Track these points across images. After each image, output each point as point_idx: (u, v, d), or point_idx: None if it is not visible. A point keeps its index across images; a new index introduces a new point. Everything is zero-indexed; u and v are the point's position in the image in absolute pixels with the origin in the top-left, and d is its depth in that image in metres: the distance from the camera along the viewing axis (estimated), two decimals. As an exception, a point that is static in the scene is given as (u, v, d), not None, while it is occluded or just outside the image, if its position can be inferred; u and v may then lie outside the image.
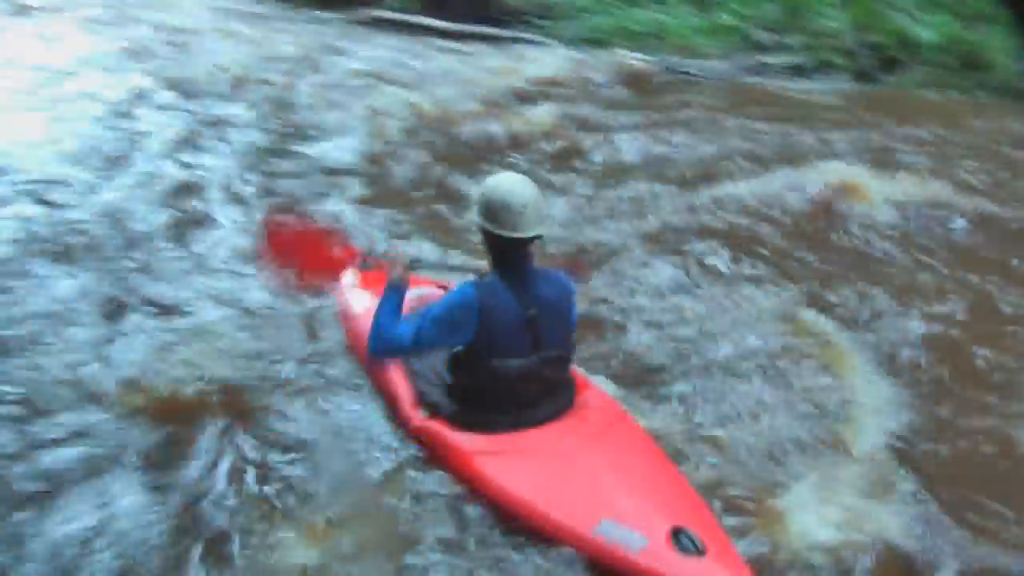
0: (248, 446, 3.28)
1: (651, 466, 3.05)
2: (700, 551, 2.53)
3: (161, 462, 3.19)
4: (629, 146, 7.26)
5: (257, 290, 4.36)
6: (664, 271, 4.95)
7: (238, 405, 3.51)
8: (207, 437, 3.29)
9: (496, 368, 3.10)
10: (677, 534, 2.58)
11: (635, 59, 10.15)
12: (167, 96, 8.36)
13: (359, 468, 3.23)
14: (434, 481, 3.09)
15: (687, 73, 9.98)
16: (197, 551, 2.80)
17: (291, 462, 3.25)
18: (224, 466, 3.16)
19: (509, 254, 3.16)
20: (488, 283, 3.15)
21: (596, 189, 6.41)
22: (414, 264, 3.46)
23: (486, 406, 3.16)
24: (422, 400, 3.32)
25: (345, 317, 4.04)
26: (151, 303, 4.38)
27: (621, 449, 3.11)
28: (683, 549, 2.54)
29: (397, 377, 3.44)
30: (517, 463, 3.00)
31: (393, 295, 3.23)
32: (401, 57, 10.41)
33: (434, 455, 3.16)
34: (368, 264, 3.84)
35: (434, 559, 2.76)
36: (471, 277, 3.26)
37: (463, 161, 6.84)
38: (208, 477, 3.13)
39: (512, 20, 11.68)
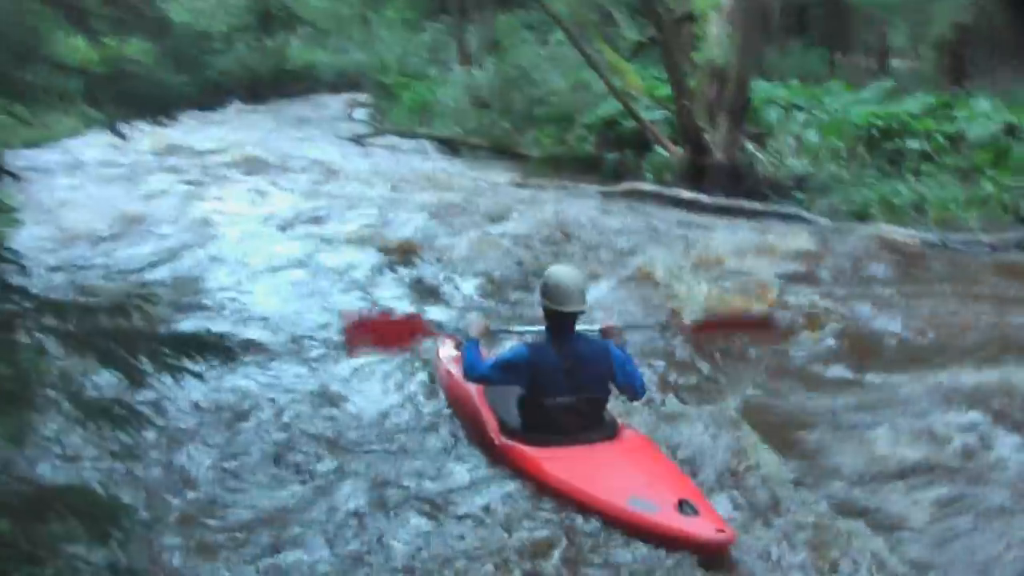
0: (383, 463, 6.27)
1: (665, 469, 5.69)
2: (696, 513, 4.99)
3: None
4: (893, 325, 8.90)
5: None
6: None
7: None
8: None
9: (546, 404, 5.86)
10: (681, 504, 5.03)
11: (896, 233, 12.08)
12: (427, 261, 11.63)
13: (462, 473, 6.10)
14: (511, 482, 5.78)
15: (951, 247, 11.82)
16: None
17: (417, 473, 6.13)
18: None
19: (558, 322, 6.00)
20: (538, 344, 6.09)
21: (884, 376, 7.83)
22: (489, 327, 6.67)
23: (545, 430, 5.86)
24: (502, 428, 6.09)
25: (442, 376, 7.30)
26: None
27: (645, 460, 5.79)
28: (684, 513, 4.98)
29: (484, 413, 6.29)
30: (572, 466, 5.59)
31: (475, 343, 6.28)
32: (659, 228, 13.24)
33: (513, 465, 5.86)
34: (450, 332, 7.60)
35: (510, 537, 5.20)
36: (527, 338, 6.45)
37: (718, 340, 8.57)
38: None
39: (769, 193, 14.41)
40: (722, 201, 14.45)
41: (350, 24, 51.55)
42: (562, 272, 6.16)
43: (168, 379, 4.82)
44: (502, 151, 22.01)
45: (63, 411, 4.45)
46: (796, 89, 18.60)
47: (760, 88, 17.78)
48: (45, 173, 20.21)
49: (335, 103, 37.72)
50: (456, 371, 6.68)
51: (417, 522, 5.38)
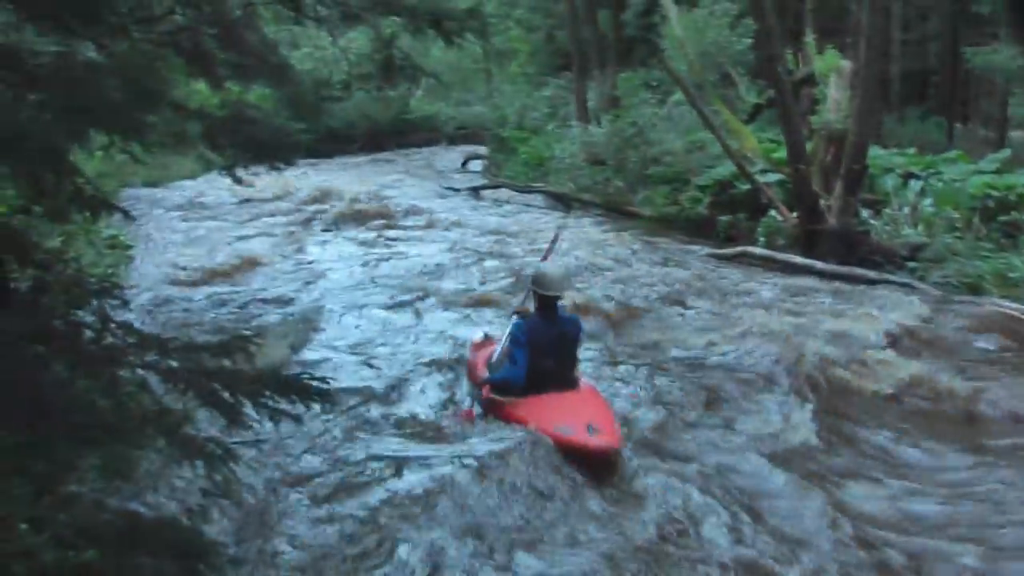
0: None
1: (596, 409, 7.46)
2: (596, 432, 6.87)
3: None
4: (1004, 400, 8.76)
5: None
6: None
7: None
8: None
9: (537, 364, 7.62)
10: (588, 426, 6.92)
11: (1010, 308, 11.81)
12: None
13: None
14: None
15: (1069, 327, 11.53)
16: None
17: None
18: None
19: (545, 303, 7.79)
20: (531, 319, 7.88)
21: (989, 450, 7.86)
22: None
23: (533, 385, 7.58)
24: (506, 389, 7.79)
25: (469, 362, 9.08)
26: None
27: (586, 404, 7.56)
28: (589, 432, 6.87)
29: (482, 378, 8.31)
30: (535, 409, 7.40)
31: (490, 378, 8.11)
32: (769, 292, 13.19)
33: (495, 412, 7.84)
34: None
35: (487, 450, 6.92)
36: (515, 318, 8.24)
37: (831, 408, 8.75)
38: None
39: (882, 262, 14.21)
40: (834, 268, 14.30)
41: (473, 77, 52.42)
42: (549, 267, 8.21)
43: (267, 420, 4.93)
44: (614, 209, 22.12)
45: (159, 447, 4.54)
46: (913, 157, 18.29)
47: (877, 155, 17.56)
48: (160, 212, 20.84)
49: (453, 155, 38.25)
50: (474, 360, 8.91)
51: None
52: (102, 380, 4.50)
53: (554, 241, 9.88)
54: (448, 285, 13.37)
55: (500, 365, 8.15)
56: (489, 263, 14.80)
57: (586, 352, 10.08)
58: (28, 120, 5.36)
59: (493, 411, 7.88)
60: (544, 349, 7.68)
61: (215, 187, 23.88)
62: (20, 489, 4.03)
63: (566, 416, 7.16)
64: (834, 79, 17.19)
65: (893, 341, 10.65)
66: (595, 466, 6.81)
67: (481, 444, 7.19)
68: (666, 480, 6.84)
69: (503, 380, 7.80)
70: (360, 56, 9.58)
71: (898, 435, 8.15)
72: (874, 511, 6.58)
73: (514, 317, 8.38)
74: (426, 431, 8.01)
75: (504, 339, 8.23)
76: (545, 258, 9.25)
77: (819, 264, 14.56)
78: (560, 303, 8.05)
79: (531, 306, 8.19)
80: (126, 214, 7.15)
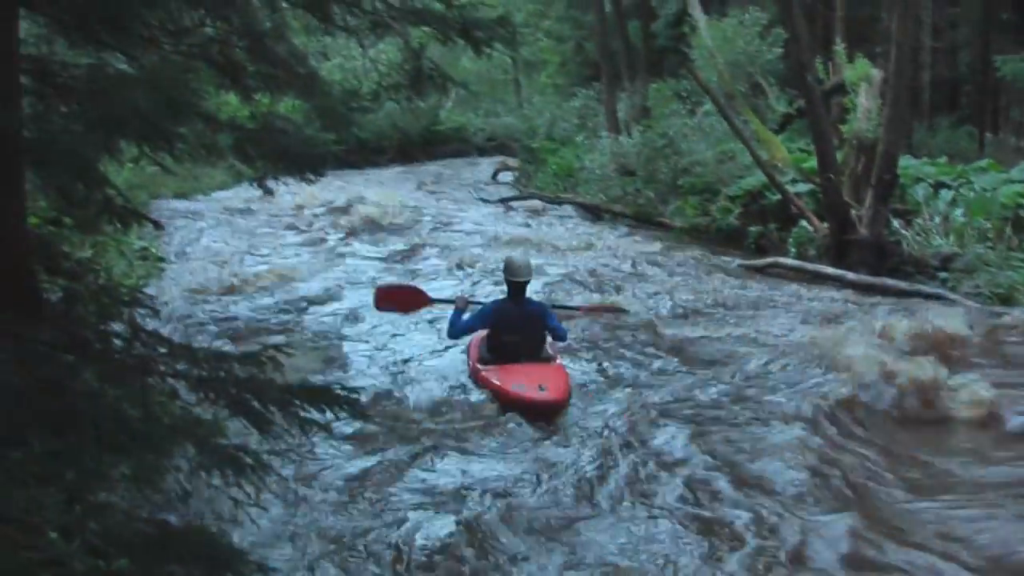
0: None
1: (555, 376, 9.01)
2: (545, 390, 8.55)
3: None
4: None
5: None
6: None
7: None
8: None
9: (504, 340, 9.30)
10: (539, 386, 8.58)
11: None
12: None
13: (457, 380, 9.52)
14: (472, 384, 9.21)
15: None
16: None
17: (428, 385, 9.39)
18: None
19: (512, 287, 9.40)
20: (499, 302, 9.66)
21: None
22: (467, 300, 10.09)
23: (500, 356, 9.28)
24: (480, 358, 9.47)
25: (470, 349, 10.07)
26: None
27: (549, 372, 9.04)
28: (539, 390, 8.53)
29: (472, 355, 9.72)
30: (503, 374, 8.94)
31: (458, 312, 9.70)
32: (800, 303, 13.17)
33: (476, 377, 9.35)
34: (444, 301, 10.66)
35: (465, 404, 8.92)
36: (489, 300, 10.35)
37: (881, 425, 8.57)
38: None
39: (913, 272, 14.16)
40: (866, 279, 14.23)
41: (502, 88, 52.43)
42: (515, 256, 10.21)
43: (296, 429, 4.94)
44: (645, 220, 22.12)
45: (189, 455, 4.55)
46: (944, 167, 18.16)
47: (908, 165, 17.43)
48: (190, 223, 20.97)
49: (483, 165, 38.31)
50: (474, 351, 9.81)
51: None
52: (132, 389, 4.54)
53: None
54: (478, 295, 13.37)
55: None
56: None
57: (617, 361, 10.26)
58: (59, 131, 5.41)
59: (475, 376, 9.46)
60: (511, 326, 9.34)
61: (245, 198, 24.02)
62: (51, 497, 4.05)
63: (523, 379, 8.76)
64: (864, 88, 17.14)
65: (924, 352, 10.33)
66: (541, 416, 8.44)
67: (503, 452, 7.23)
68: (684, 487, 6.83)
69: (451, 323, 9.75)
70: (390, 67, 9.63)
71: (934, 447, 8.07)
72: (913, 526, 6.44)
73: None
74: (454, 439, 8.05)
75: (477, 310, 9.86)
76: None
77: (850, 275, 14.48)
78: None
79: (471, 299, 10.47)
80: (156, 224, 7.24)
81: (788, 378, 9.59)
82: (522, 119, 37.78)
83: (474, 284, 14.26)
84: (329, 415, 4.98)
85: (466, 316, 9.66)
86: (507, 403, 8.61)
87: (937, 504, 6.83)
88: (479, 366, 9.38)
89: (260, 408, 4.66)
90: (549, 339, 9.67)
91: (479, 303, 10.25)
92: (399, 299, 10.79)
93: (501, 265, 10.01)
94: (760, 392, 9.19)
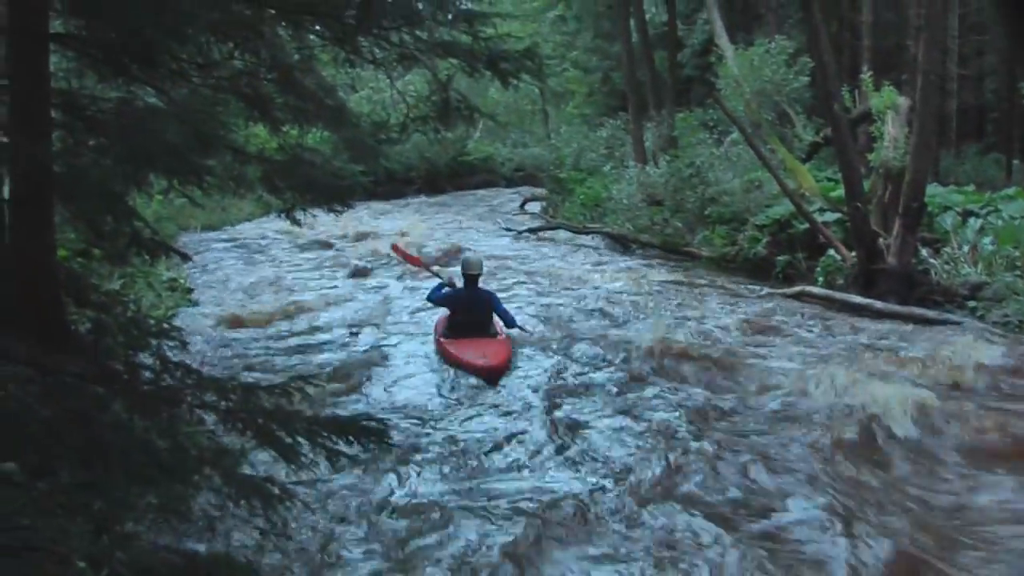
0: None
1: (497, 347, 11.36)
2: (486, 358, 10.82)
3: None
4: None
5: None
6: None
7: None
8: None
9: (459, 320, 11.84)
10: (483, 355, 10.88)
11: None
12: (592, 361, 11.50)
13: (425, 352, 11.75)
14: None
15: None
16: None
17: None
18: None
19: (467, 279, 11.92)
20: (459, 290, 12.06)
21: None
22: (453, 279, 12.52)
23: (456, 332, 11.74)
24: (442, 335, 11.86)
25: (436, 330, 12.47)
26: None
27: (490, 344, 11.44)
28: (482, 358, 10.81)
29: (438, 332, 12.15)
30: (458, 346, 11.29)
31: (439, 285, 12.37)
32: (829, 333, 13.06)
33: (439, 348, 11.76)
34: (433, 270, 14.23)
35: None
36: (458, 284, 12.21)
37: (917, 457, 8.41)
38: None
39: (941, 301, 14.07)
40: (894, 308, 14.10)
41: (530, 118, 52.57)
42: (470, 255, 13.02)
43: (323, 460, 4.96)
44: (673, 249, 22.09)
45: (216, 485, 4.58)
46: (972, 195, 18.08)
47: (935, 193, 17.41)
48: (218, 255, 21.11)
49: (511, 196, 38.36)
50: (439, 328, 12.25)
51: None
52: (160, 420, 4.57)
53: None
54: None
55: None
56: (548, 303, 14.82)
57: (641, 389, 10.26)
58: (89, 165, 5.47)
59: (438, 347, 11.83)
60: (463, 308, 11.91)
61: (273, 230, 24.17)
62: (79, 527, 4.08)
63: (471, 350, 11.07)
64: (891, 116, 17.09)
65: (952, 381, 10.42)
66: (484, 378, 10.57)
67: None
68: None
69: (433, 290, 12.33)
70: (418, 98, 9.70)
71: (963, 478, 7.94)
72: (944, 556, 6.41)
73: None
74: (482, 470, 7.99)
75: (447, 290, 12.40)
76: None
77: (878, 304, 14.35)
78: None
79: (459, 282, 12.17)
80: (184, 257, 7.26)
81: (813, 406, 9.54)
82: (550, 149, 37.81)
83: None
84: (357, 447, 4.99)
85: (444, 290, 12.25)
86: (459, 368, 10.96)
87: (966, 539, 6.77)
88: (442, 339, 11.83)
89: (287, 439, 4.68)
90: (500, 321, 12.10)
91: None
92: (407, 257, 14.68)
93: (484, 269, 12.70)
94: (786, 423, 9.14)
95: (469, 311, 11.78)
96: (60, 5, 7.08)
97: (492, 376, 10.60)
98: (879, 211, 15.82)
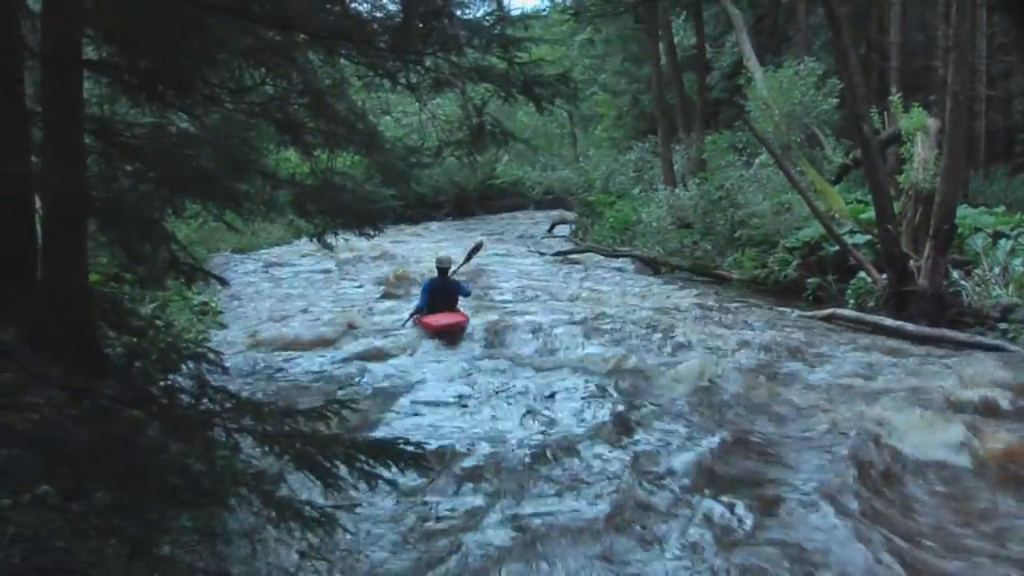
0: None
1: (458, 316, 15.09)
2: (447, 321, 14.70)
3: None
4: None
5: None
6: None
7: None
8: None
9: (435, 302, 15.15)
10: (446, 320, 14.71)
11: None
12: (623, 391, 11.29)
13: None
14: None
15: None
16: None
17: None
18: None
19: (440, 272, 15.55)
20: (432, 280, 15.68)
21: None
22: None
23: (432, 310, 15.04)
24: (422, 313, 15.16)
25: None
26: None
27: (453, 315, 15.03)
28: (451, 319, 14.80)
29: (416, 314, 15.39)
30: (435, 318, 14.73)
31: (418, 308, 15.60)
32: (860, 357, 12.84)
33: (421, 323, 14.93)
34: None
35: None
36: (432, 275, 16.13)
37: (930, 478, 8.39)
38: None
39: (973, 323, 14.00)
40: (925, 330, 14.02)
41: (559, 142, 52.64)
42: (441, 254, 16.32)
43: (362, 484, 4.95)
44: (703, 272, 22.09)
45: (255, 508, 4.59)
46: (1002, 217, 17.99)
47: (965, 214, 17.30)
48: (249, 278, 21.25)
49: (540, 219, 38.38)
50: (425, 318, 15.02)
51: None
52: (196, 443, 4.58)
53: (475, 250, 17.31)
54: (534, 349, 13.46)
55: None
56: (576, 327, 14.79)
57: (669, 410, 10.23)
58: (125, 190, 5.52)
59: (417, 322, 15.10)
60: (438, 294, 15.31)
61: (304, 253, 24.29)
62: (114, 550, 4.10)
63: (445, 318, 14.76)
64: (920, 137, 17.05)
65: (985, 406, 10.25)
66: (446, 334, 14.30)
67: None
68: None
69: (418, 307, 15.39)
70: (449, 122, 9.88)
71: (999, 506, 7.86)
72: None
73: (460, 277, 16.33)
74: (517, 491, 7.93)
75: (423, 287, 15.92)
76: (467, 260, 16.95)
77: (909, 326, 14.28)
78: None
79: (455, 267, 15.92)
80: (222, 282, 7.29)
81: (843, 431, 9.43)
82: (579, 172, 37.92)
83: (527, 338, 14.32)
84: (395, 470, 5.00)
85: (420, 299, 15.61)
86: (430, 331, 14.53)
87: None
88: (419, 316, 15.19)
89: (325, 463, 4.69)
90: (462, 299, 15.86)
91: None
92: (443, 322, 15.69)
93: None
94: (814, 449, 9.05)
95: (440, 295, 15.44)
96: (94, 32, 7.15)
97: (457, 328, 14.70)
98: (909, 233, 15.80)
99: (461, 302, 15.91)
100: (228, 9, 6.85)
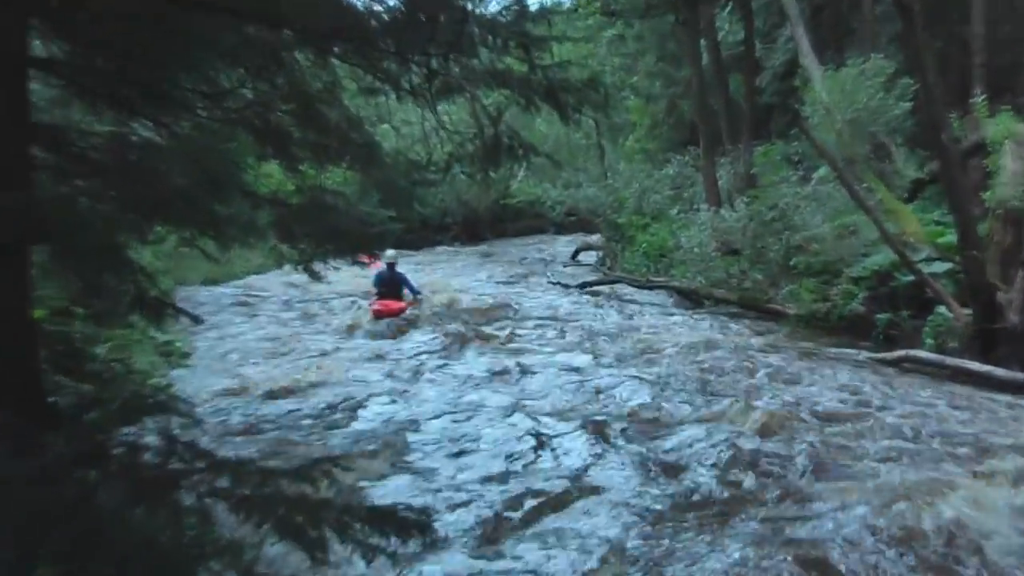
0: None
1: (398, 304, 21.96)
2: (384, 308, 21.81)
3: None
4: None
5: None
6: None
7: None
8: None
9: (381, 291, 22.45)
10: (383, 307, 21.88)
11: None
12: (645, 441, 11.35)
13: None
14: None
15: None
16: None
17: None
18: None
19: (388, 266, 22.53)
20: (381, 272, 22.42)
21: None
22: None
23: (381, 298, 22.21)
24: (373, 301, 22.34)
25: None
26: None
27: (395, 304, 21.98)
28: (380, 308, 21.85)
29: (371, 301, 22.59)
30: (380, 304, 21.85)
31: (378, 274, 22.68)
32: (940, 409, 12.52)
33: (372, 308, 21.80)
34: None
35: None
36: (383, 267, 22.51)
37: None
38: None
39: (1068, 367, 13.82)
40: (1019, 376, 13.75)
41: (584, 155, 52.65)
42: (389, 251, 21.05)
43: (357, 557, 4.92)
44: (752, 306, 22.08)
45: (230, 585, 4.56)
46: (1105, 242, 17.97)
47: (1066, 238, 17.18)
48: (221, 315, 21.48)
49: (561, 244, 38.51)
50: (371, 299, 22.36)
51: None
52: (162, 509, 4.55)
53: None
54: (548, 400, 13.43)
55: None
56: (602, 376, 14.77)
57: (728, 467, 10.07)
58: (85, 212, 5.47)
59: (369, 308, 21.35)
60: (383, 283, 21.74)
61: (285, 284, 24.50)
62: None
63: (388, 304, 21.09)
64: (1010, 147, 16.96)
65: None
66: (386, 316, 20.69)
67: None
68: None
69: (373, 280, 21.76)
70: (459, 133, 9.73)
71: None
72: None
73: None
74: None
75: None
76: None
77: (999, 371, 13.97)
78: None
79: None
80: (196, 319, 7.26)
81: (913, 511, 8.89)
82: (607, 190, 37.82)
83: (538, 388, 14.25)
84: (395, 540, 4.95)
85: (376, 274, 21.57)
86: (376, 314, 20.98)
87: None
88: (369, 304, 21.21)
89: (314, 532, 4.65)
90: (407, 291, 22.24)
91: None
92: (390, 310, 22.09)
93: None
94: (880, 533, 8.79)
95: (386, 285, 21.87)
96: (41, 25, 7.12)
97: (394, 313, 21.10)
98: (998, 260, 15.69)
99: (408, 296, 22.40)
100: (212, 7, 6.83)
